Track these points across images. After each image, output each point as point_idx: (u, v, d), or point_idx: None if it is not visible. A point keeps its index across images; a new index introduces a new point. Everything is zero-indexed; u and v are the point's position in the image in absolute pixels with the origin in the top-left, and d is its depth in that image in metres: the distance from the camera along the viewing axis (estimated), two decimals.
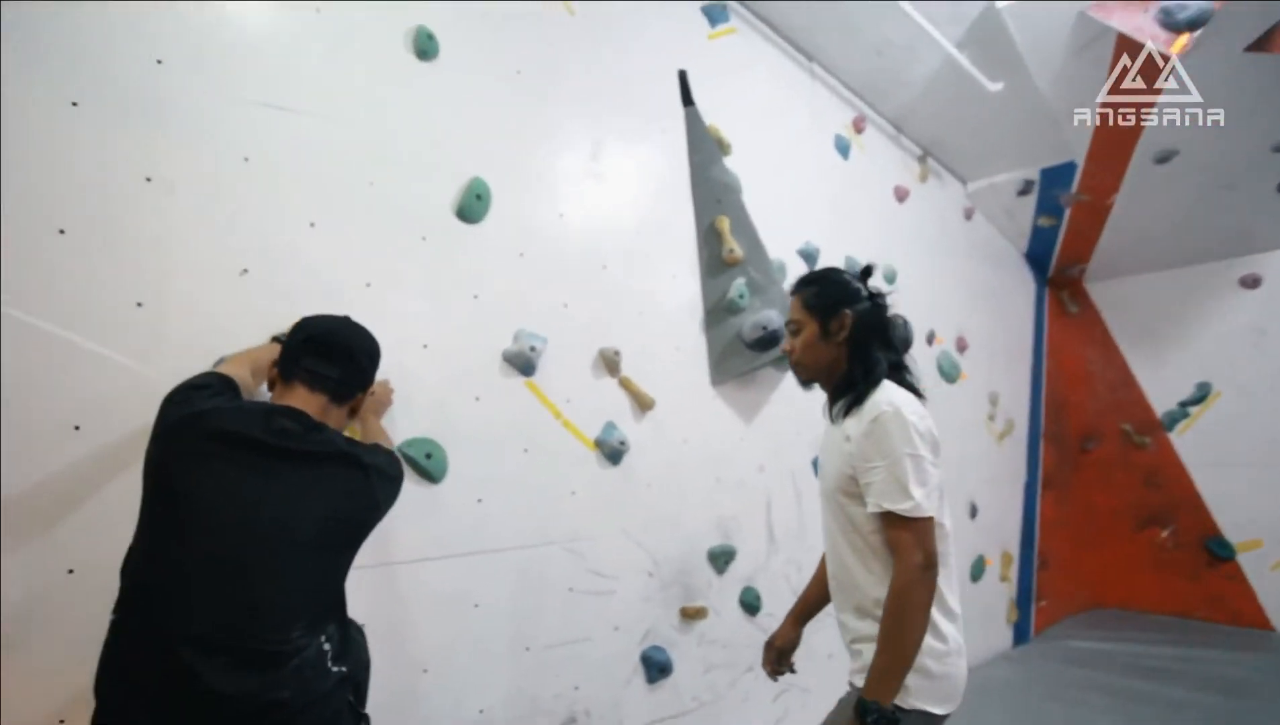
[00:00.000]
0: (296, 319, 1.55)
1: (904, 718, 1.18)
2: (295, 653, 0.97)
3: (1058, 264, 4.65)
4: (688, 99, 2.54)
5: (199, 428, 1.02)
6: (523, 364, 2.00)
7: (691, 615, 2.29)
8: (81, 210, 1.42)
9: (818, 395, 2.87)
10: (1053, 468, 4.33)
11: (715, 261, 2.52)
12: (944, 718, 1.25)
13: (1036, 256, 4.59)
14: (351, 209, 1.77)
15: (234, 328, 1.57)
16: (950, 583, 1.29)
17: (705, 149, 2.54)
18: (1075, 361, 4.73)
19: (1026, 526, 4.02)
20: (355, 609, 1.66)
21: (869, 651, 1.25)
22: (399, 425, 1.78)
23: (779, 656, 1.69)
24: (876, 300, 1.43)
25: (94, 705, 0.95)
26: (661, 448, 2.28)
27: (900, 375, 1.38)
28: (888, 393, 1.28)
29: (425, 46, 1.89)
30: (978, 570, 3.49)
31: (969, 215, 3.98)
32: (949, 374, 3.48)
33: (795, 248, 2.85)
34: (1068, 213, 4.16)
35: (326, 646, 1.02)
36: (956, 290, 3.69)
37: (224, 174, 1.60)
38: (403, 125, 1.87)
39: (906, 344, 1.50)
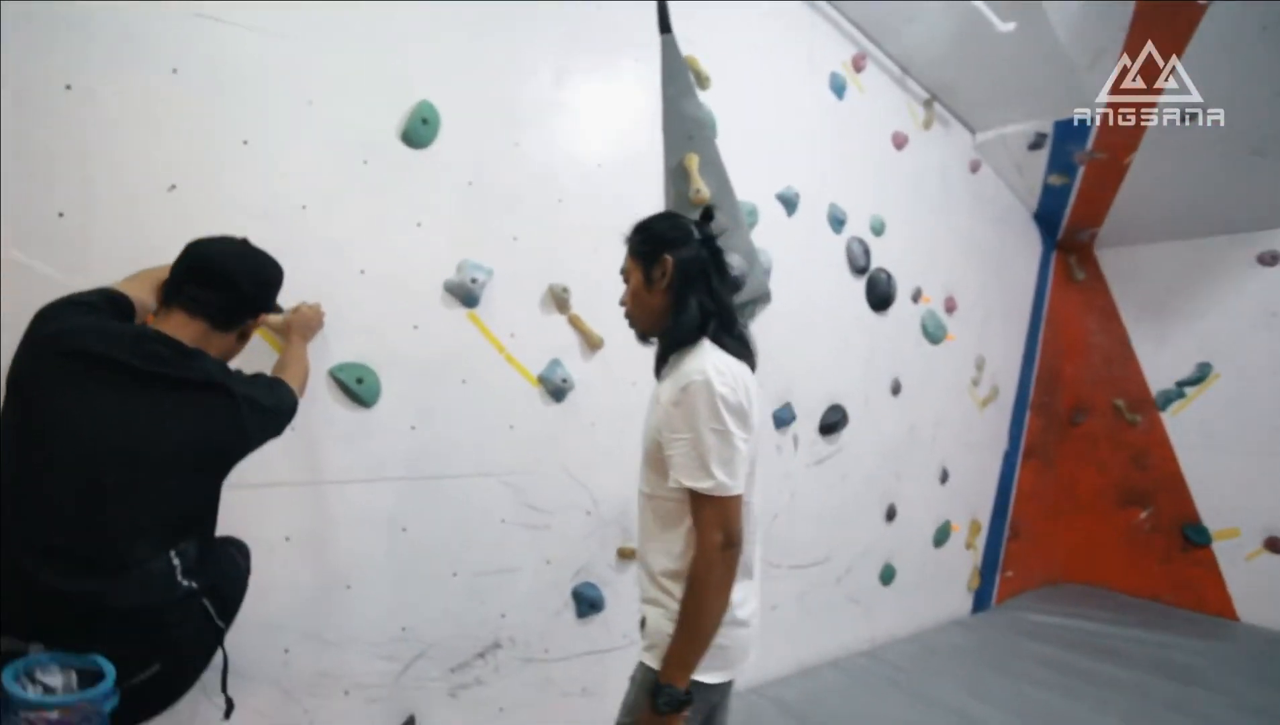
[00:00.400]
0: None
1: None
2: (138, 564, 1.01)
3: (1068, 226, 4.44)
4: (665, 25, 2.40)
5: (60, 346, 1.04)
6: (464, 295, 1.99)
7: (629, 555, 2.34)
8: (6, 120, 1.41)
9: (789, 345, 2.82)
10: (1037, 438, 4.27)
11: (682, 201, 2.42)
12: (719, 688, 1.24)
13: (1046, 217, 4.39)
14: (288, 128, 1.74)
15: (162, 244, 1.54)
16: (747, 557, 1.24)
17: (680, 81, 2.42)
18: (1074, 331, 4.58)
19: (1001, 495, 3.99)
20: (279, 524, 1.73)
21: (652, 617, 1.25)
22: (331, 349, 1.79)
23: None
24: (710, 245, 1.33)
25: None
26: (609, 389, 2.27)
27: (728, 329, 1.30)
28: (702, 358, 1.20)
29: None
30: (942, 535, 3.50)
31: (975, 168, 3.80)
32: (933, 335, 3.40)
33: (774, 192, 2.75)
34: (1081, 171, 3.95)
35: (176, 562, 1.06)
36: (951, 247, 3.56)
37: (150, 86, 1.57)
38: (346, 42, 1.81)
39: (736, 288, 1.39)
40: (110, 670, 0.96)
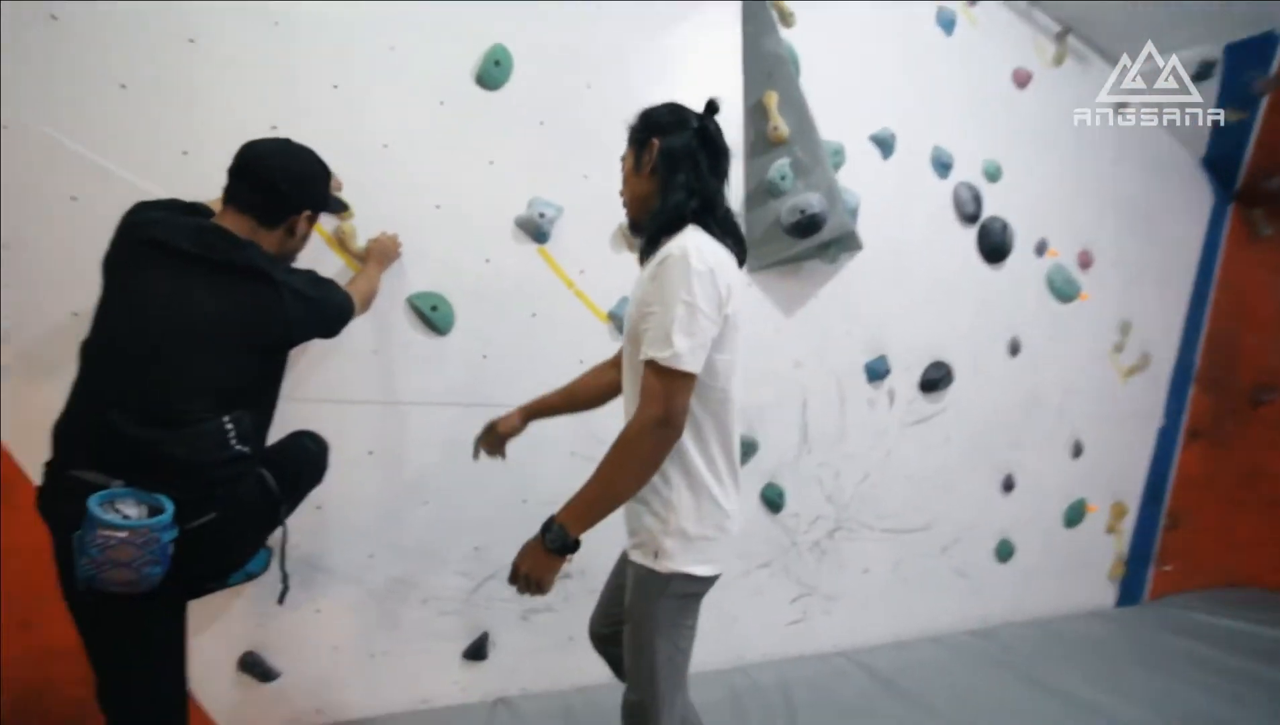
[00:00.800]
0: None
1: (667, 581, 1.17)
2: (192, 421, 1.15)
3: (1249, 173, 3.75)
4: None
5: (134, 234, 1.21)
6: (534, 230, 2.04)
7: None
8: (137, 68, 1.66)
9: (883, 294, 2.65)
10: (1206, 417, 3.64)
11: (760, 140, 2.37)
12: (709, 580, 1.22)
13: (1218, 162, 3.73)
14: (372, 73, 1.88)
15: None
16: (730, 452, 1.22)
17: (760, 18, 2.36)
18: (1258, 297, 3.85)
19: (1155, 478, 3.45)
20: (363, 439, 1.87)
21: (633, 511, 1.22)
22: (409, 277, 1.92)
23: (496, 440, 1.65)
24: (704, 134, 1.27)
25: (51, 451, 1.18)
26: None
27: (712, 214, 1.23)
28: (684, 238, 1.16)
29: None
30: (1075, 515, 3.09)
31: (1121, 107, 3.33)
32: (1062, 291, 3.02)
33: (868, 133, 2.58)
34: (1264, 103, 3.33)
35: (229, 426, 1.18)
36: (1087, 196, 3.14)
37: (256, 38, 1.77)
38: None
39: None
40: (169, 507, 1.09)
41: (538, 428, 2.05)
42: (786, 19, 2.43)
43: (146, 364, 1.15)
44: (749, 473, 2.37)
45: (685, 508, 1.17)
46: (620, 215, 2.10)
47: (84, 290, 1.34)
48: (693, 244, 1.13)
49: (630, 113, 1.37)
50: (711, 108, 1.31)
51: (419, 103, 1.93)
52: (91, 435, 1.12)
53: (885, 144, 2.60)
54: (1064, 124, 3.10)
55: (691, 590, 1.20)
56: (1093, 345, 3.13)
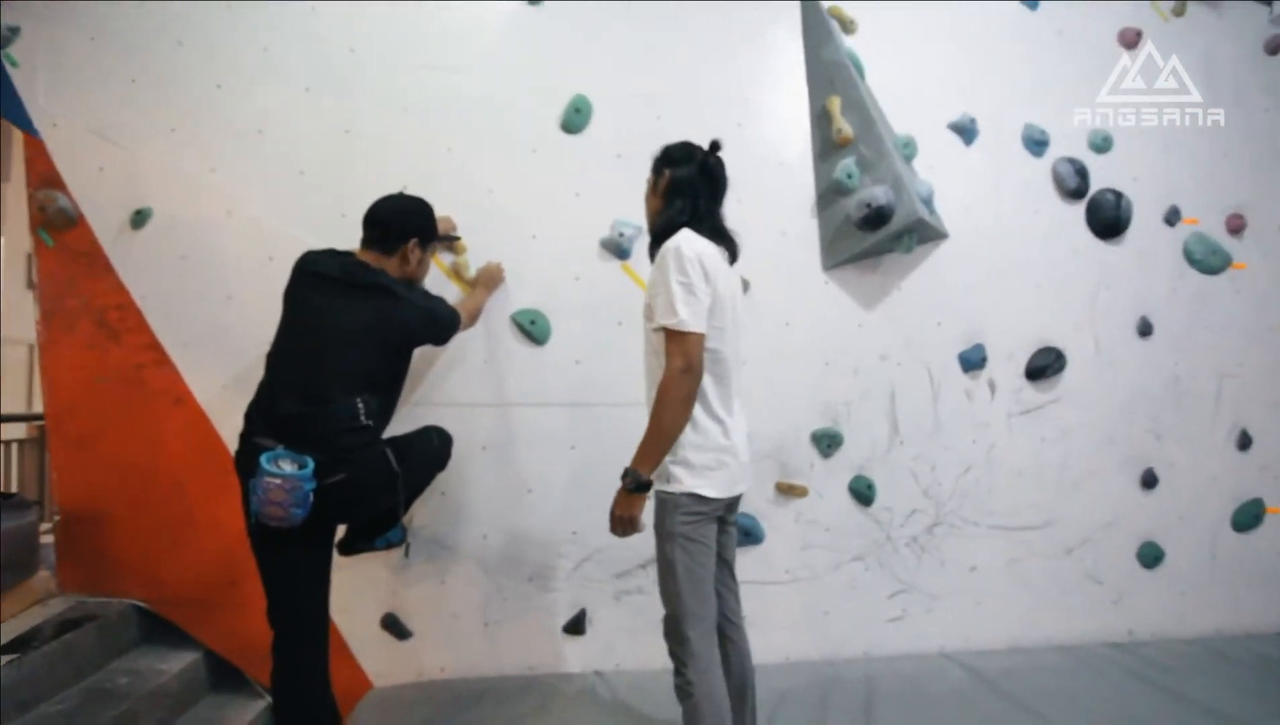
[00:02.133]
0: (442, 218, 2.16)
1: (678, 500, 1.47)
2: (337, 401, 1.55)
3: None
4: None
5: (302, 269, 1.70)
6: (616, 248, 2.32)
7: (787, 491, 2.37)
8: (307, 155, 2.20)
9: (976, 284, 2.63)
10: None
11: (828, 144, 2.47)
12: (714, 501, 1.49)
13: None
14: (478, 135, 2.29)
15: None
16: (727, 398, 1.54)
17: (819, 30, 2.49)
18: None
19: None
20: (478, 436, 2.23)
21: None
22: (512, 298, 2.27)
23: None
24: (706, 167, 1.60)
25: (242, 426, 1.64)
26: (758, 327, 2.33)
27: (704, 223, 1.56)
28: (677, 237, 1.49)
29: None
30: (1247, 518, 2.65)
31: (1274, 47, 2.93)
32: (1205, 263, 2.69)
33: (946, 121, 2.57)
34: None
35: (361, 405, 1.57)
36: (1229, 153, 2.78)
37: (391, 123, 2.25)
38: (515, 60, 2.32)
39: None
40: (311, 464, 1.48)
41: (627, 424, 2.29)
42: (848, 26, 2.53)
43: (308, 359, 1.58)
44: (835, 464, 2.42)
45: (688, 441, 1.48)
46: None
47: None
48: (682, 239, 1.49)
49: (700, 138, 1.66)
50: (714, 146, 1.63)
51: (515, 153, 2.31)
52: (267, 412, 1.57)
53: (966, 130, 2.57)
54: (1195, 77, 2.81)
55: (698, 509, 1.48)
56: (1253, 321, 2.74)
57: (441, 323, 1.80)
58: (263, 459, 1.45)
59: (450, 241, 2.17)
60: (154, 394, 2.14)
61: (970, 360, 2.49)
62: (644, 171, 2.37)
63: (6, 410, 3.82)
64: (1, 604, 2.00)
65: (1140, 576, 2.57)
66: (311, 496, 1.47)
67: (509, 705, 2.04)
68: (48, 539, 2.29)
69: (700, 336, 1.43)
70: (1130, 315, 2.63)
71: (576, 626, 2.25)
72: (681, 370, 1.41)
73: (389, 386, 1.71)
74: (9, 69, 2.09)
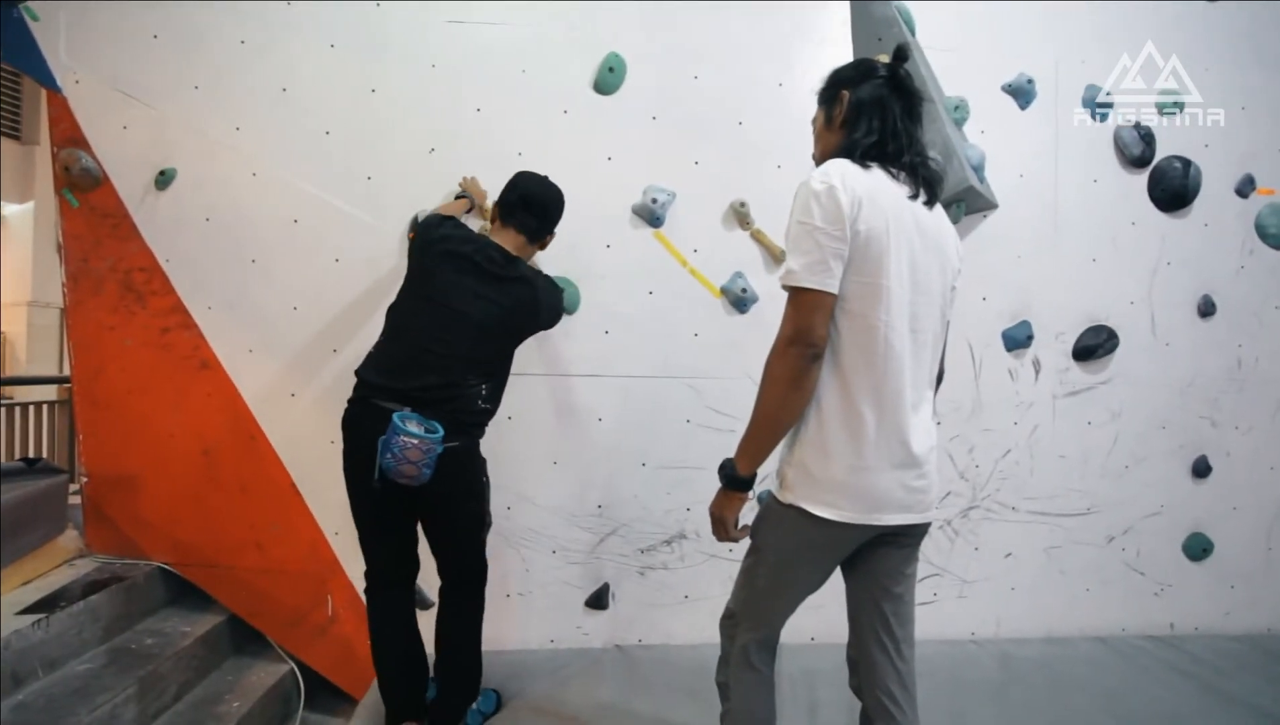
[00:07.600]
0: (467, 182, 2.10)
1: (783, 513, 1.15)
2: (464, 383, 1.61)
3: None
4: None
5: (442, 245, 1.66)
6: (649, 215, 2.23)
7: None
8: (332, 115, 2.13)
9: (1023, 255, 2.47)
10: None
11: None
12: (832, 525, 1.11)
13: None
14: (508, 95, 2.20)
15: (427, 192, 2.17)
16: (883, 389, 1.10)
17: None
18: None
19: None
20: (504, 406, 2.15)
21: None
22: (541, 266, 2.19)
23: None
24: (895, 77, 1.21)
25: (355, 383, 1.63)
26: None
27: (887, 154, 1.17)
28: (825, 165, 1.13)
29: None
30: None
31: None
32: (1278, 237, 2.52)
33: (1000, 83, 2.40)
34: None
35: (482, 390, 1.65)
36: None
37: (417, 79, 2.17)
38: (547, 17, 2.21)
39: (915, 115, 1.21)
40: (440, 430, 1.52)
41: (656, 396, 2.25)
42: None
43: (443, 339, 1.60)
44: None
45: (809, 441, 1.12)
46: (731, 195, 2.25)
47: None
48: (827, 169, 1.11)
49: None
50: (901, 54, 1.23)
51: (546, 114, 2.22)
52: (395, 378, 1.57)
53: (1022, 92, 2.41)
54: (1275, 31, 2.59)
55: (808, 532, 1.13)
56: None
57: (559, 313, 1.86)
58: (397, 418, 1.48)
59: (481, 208, 2.10)
60: (180, 357, 2.13)
61: (1015, 338, 2.37)
62: (679, 134, 2.31)
63: (38, 373, 3.89)
64: (31, 563, 2.03)
65: (1185, 568, 2.47)
66: (437, 459, 1.51)
67: (530, 678, 2.03)
68: (75, 500, 2.31)
69: (819, 295, 1.06)
70: (1192, 293, 2.48)
71: (599, 601, 2.23)
72: (787, 340, 1.07)
73: (503, 371, 1.74)
74: (30, 23, 2.04)
